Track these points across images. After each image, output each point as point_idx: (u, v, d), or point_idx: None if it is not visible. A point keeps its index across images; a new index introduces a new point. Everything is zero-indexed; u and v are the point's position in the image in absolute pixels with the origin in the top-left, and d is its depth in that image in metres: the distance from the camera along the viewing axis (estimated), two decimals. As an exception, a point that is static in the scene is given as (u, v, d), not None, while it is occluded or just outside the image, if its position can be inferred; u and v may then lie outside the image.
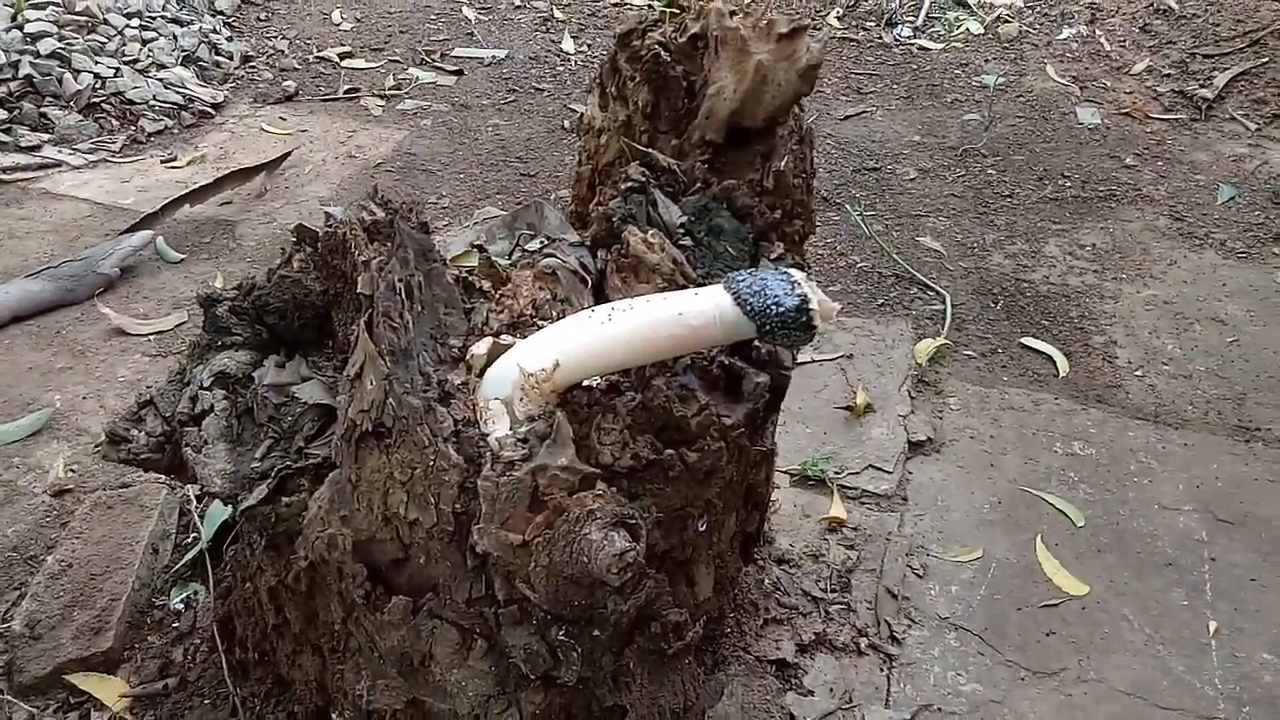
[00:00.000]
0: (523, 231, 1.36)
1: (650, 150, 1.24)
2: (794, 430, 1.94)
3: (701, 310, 0.94)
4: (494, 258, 1.32)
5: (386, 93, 3.12)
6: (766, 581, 1.56)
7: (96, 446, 1.88)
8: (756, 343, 1.06)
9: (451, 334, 1.07)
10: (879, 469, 1.84)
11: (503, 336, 1.07)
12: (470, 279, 1.15)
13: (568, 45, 3.48)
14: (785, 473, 1.83)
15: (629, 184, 1.21)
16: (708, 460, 1.05)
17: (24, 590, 1.56)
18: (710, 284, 1.14)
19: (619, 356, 0.98)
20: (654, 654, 1.16)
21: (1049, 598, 1.60)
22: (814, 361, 2.14)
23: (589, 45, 3.51)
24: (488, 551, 0.97)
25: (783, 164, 1.22)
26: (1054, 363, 2.14)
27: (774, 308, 0.91)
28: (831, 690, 1.42)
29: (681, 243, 1.19)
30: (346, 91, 3.11)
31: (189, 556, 1.61)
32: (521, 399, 0.99)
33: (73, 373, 2.08)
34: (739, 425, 1.08)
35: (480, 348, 1.04)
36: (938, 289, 2.35)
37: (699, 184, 1.23)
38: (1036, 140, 2.94)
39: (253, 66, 3.19)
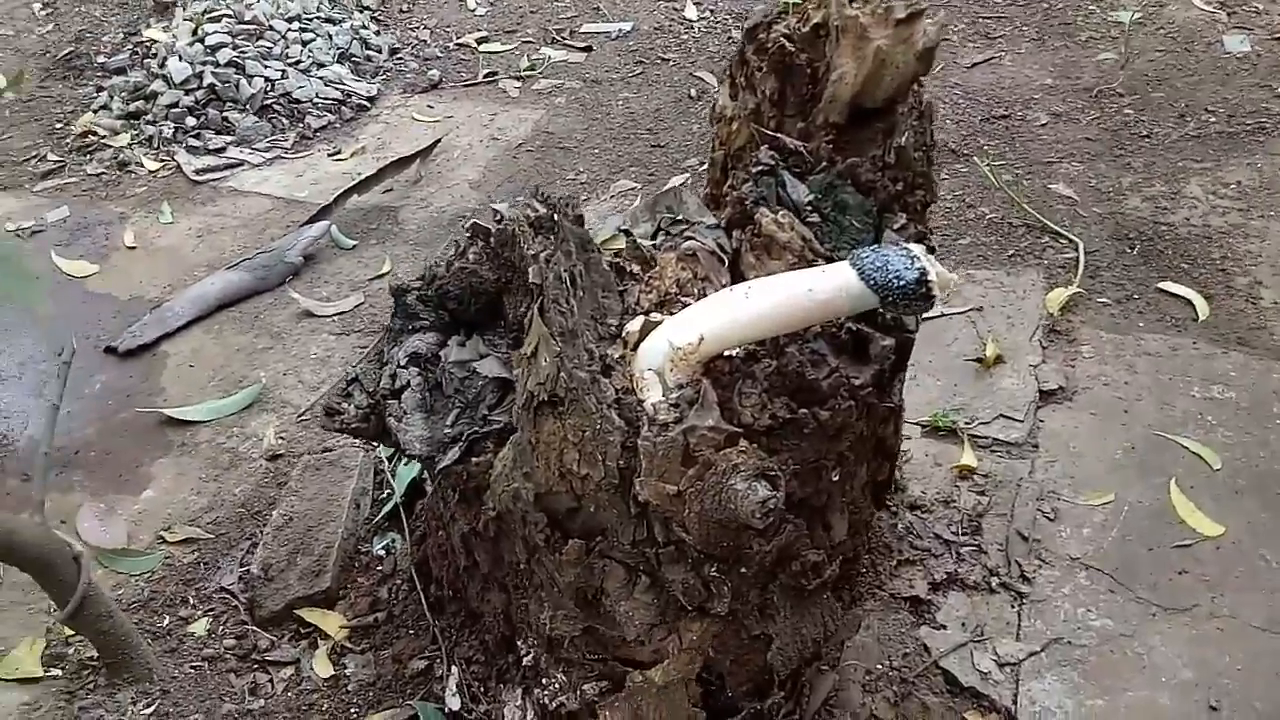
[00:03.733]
0: (663, 215, 1.50)
1: (778, 135, 1.35)
2: (925, 383, 2.02)
3: (829, 285, 1.06)
4: (639, 240, 1.47)
5: (522, 74, 3.30)
6: (900, 526, 1.68)
7: (300, 416, 2.16)
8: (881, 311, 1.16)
9: (609, 314, 1.23)
10: (1009, 418, 1.91)
11: (652, 314, 1.22)
12: (621, 263, 1.30)
13: (690, 13, 3.57)
14: (916, 424, 1.92)
15: (759, 167, 1.33)
16: (838, 418, 1.18)
17: (255, 540, 1.85)
18: (837, 259, 1.25)
19: (756, 330, 1.11)
20: (795, 590, 1.30)
21: (1182, 538, 1.64)
22: (943, 315, 2.20)
23: (711, 11, 3.58)
24: (648, 500, 1.13)
25: (903, 140, 1.31)
26: (1193, 306, 2.13)
27: (895, 281, 1.02)
28: (964, 624, 1.53)
29: (809, 220, 1.30)
30: (485, 75, 3.31)
31: (386, 509, 1.86)
32: (671, 369, 1.14)
33: (273, 352, 2.38)
34: (867, 385, 1.20)
35: (634, 325, 1.20)
36: (1070, 236, 2.35)
37: (825, 163, 1.33)
38: (1178, 75, 2.84)
39: (400, 58, 3.44)
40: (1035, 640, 1.50)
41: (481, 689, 1.49)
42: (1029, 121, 2.75)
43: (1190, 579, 1.58)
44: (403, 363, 1.42)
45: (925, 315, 2.14)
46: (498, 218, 1.38)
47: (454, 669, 1.52)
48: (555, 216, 1.22)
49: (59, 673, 1.60)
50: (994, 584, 1.59)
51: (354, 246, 2.72)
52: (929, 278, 1.02)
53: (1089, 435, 1.87)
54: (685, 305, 1.26)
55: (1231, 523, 1.66)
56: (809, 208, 1.30)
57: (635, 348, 1.20)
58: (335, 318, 2.48)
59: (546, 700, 1.38)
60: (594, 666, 1.34)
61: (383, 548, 1.82)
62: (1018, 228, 2.43)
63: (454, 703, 1.48)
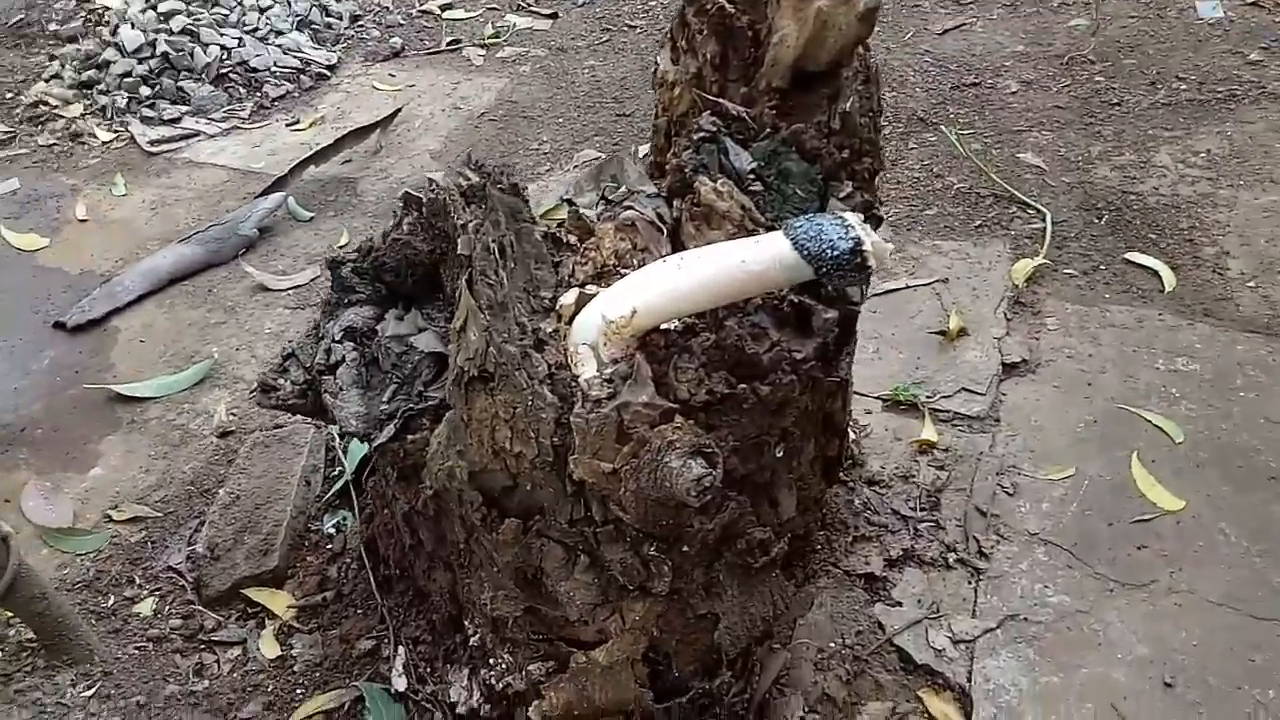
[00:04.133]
0: (606, 184, 1.45)
1: (720, 100, 1.30)
2: (887, 356, 1.99)
3: (762, 257, 1.02)
4: (582, 210, 1.43)
5: (486, 41, 3.23)
6: (856, 502, 1.65)
7: (251, 393, 2.11)
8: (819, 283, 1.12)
9: (542, 286, 1.18)
10: (971, 391, 1.88)
11: (588, 287, 1.17)
12: (558, 234, 1.26)
13: (660, -22, 3.49)
14: (877, 398, 1.89)
15: (700, 134, 1.29)
16: (779, 393, 1.14)
17: (203, 518, 1.81)
18: (793, 219, 1.21)
19: (690, 303, 1.07)
20: (741, 568, 1.27)
21: (1142, 513, 1.63)
22: (908, 287, 2.16)
23: (681, -24, 3.50)
24: (583, 479, 1.10)
25: (848, 105, 1.27)
26: (1159, 277, 2.10)
27: (828, 251, 0.98)
28: (919, 601, 1.51)
29: (752, 188, 1.25)
30: (449, 43, 3.24)
31: (336, 487, 1.82)
32: (605, 344, 1.10)
33: (226, 327, 2.33)
34: (809, 359, 1.16)
35: (568, 298, 1.15)
36: (1038, 207, 2.31)
37: (768, 129, 1.29)
38: (1150, 41, 2.80)
39: (361, 25, 3.35)
40: (991, 617, 1.48)
41: (428, 669, 1.46)
42: (999, 89, 2.71)
43: (1149, 554, 1.56)
44: (338, 337, 1.37)
45: (877, 289, 2.11)
46: (431, 187, 1.33)
47: (401, 649, 1.49)
48: (486, 185, 1.17)
49: (-3, 654, 1.57)
50: (951, 560, 1.57)
51: (311, 219, 2.66)
52: (864, 247, 0.98)
53: (1051, 408, 1.84)
54: (623, 277, 1.22)
55: (1192, 496, 1.64)
56: (751, 176, 1.26)
57: (570, 321, 1.16)
58: (290, 292, 2.42)
59: (493, 681, 1.35)
60: (539, 647, 1.31)
61: (333, 526, 1.79)
62: (985, 198, 2.39)
63: (400, 683, 1.45)
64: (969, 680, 1.39)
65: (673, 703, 1.32)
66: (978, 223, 2.33)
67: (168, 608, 1.67)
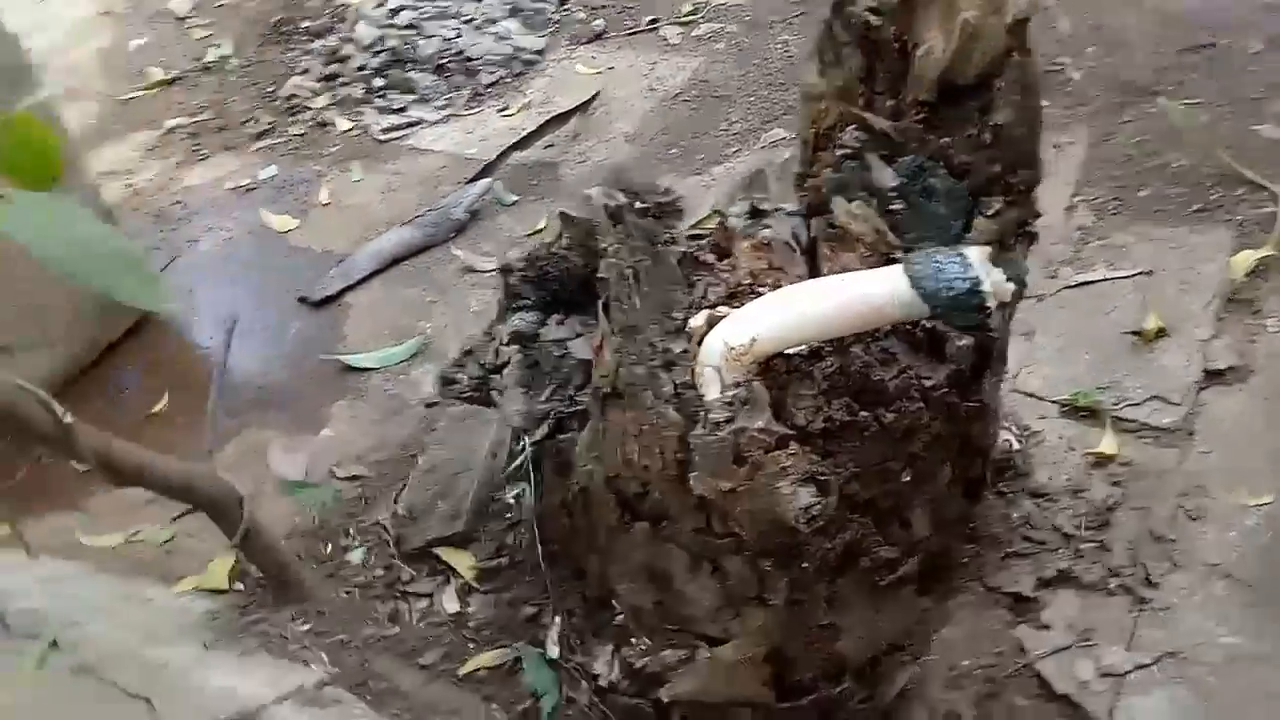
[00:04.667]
0: (757, 195, 1.48)
1: (865, 114, 1.29)
2: (1072, 356, 1.88)
3: (881, 292, 1.03)
4: (731, 218, 1.47)
5: (683, 19, 3.27)
6: (1015, 515, 1.60)
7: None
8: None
9: (675, 308, 1.25)
10: (1165, 400, 1.75)
11: (719, 308, 1.23)
12: (696, 254, 1.31)
13: (866, -61, 3.36)
14: (1055, 401, 1.80)
15: (844, 150, 1.29)
16: (905, 420, 1.15)
17: (407, 481, 2.04)
18: (918, 250, 1.20)
19: (807, 334, 1.10)
20: (867, 584, 1.30)
21: (1349, 552, 1.46)
22: (1106, 280, 2.02)
23: (890, -65, 3.35)
24: (703, 495, 1.17)
25: (1001, 118, 1.21)
26: None
27: (944, 292, 0.98)
28: (1070, 627, 1.46)
29: (893, 206, 1.25)
30: (648, 23, 3.31)
31: (516, 463, 1.99)
32: (727, 368, 1.15)
33: (437, 305, 2.57)
34: (940, 386, 1.16)
35: (697, 320, 1.21)
36: (1272, 189, 2.06)
37: (915, 144, 1.26)
38: None
39: (567, 8, 3.49)
40: (1148, 652, 1.41)
41: (578, 641, 1.60)
42: (1237, 50, 2.40)
43: (1351, 599, 1.41)
44: (505, 341, 1.51)
45: (1070, 281, 1.98)
46: (586, 201, 1.42)
47: (557, 619, 1.64)
48: (622, 210, 1.25)
49: (241, 588, 1.87)
50: (1113, 585, 1.49)
51: (515, 202, 2.86)
52: (981, 288, 0.96)
53: (1257, 424, 1.68)
54: (757, 296, 1.26)
55: None
56: (894, 193, 1.25)
57: (700, 342, 1.22)
58: (493, 274, 2.62)
59: (633, 660, 1.46)
60: (672, 635, 1.41)
61: (512, 497, 1.96)
62: (1209, 177, 2.16)
63: (553, 651, 1.60)
64: (1110, 717, 1.34)
65: (795, 703, 1.38)
66: (1196, 206, 2.11)
67: (373, 558, 1.91)
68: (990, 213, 1.22)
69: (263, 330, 2.66)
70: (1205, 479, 1.61)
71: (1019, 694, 1.39)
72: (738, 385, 1.15)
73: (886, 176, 1.26)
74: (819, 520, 1.09)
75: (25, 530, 1.34)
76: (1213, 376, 1.77)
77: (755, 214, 1.48)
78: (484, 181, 2.84)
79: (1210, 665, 1.38)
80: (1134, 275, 2.00)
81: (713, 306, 1.24)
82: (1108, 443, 1.69)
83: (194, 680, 1.51)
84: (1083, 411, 1.76)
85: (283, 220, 3.05)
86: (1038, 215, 1.27)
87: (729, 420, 1.12)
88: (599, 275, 1.24)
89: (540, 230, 2.71)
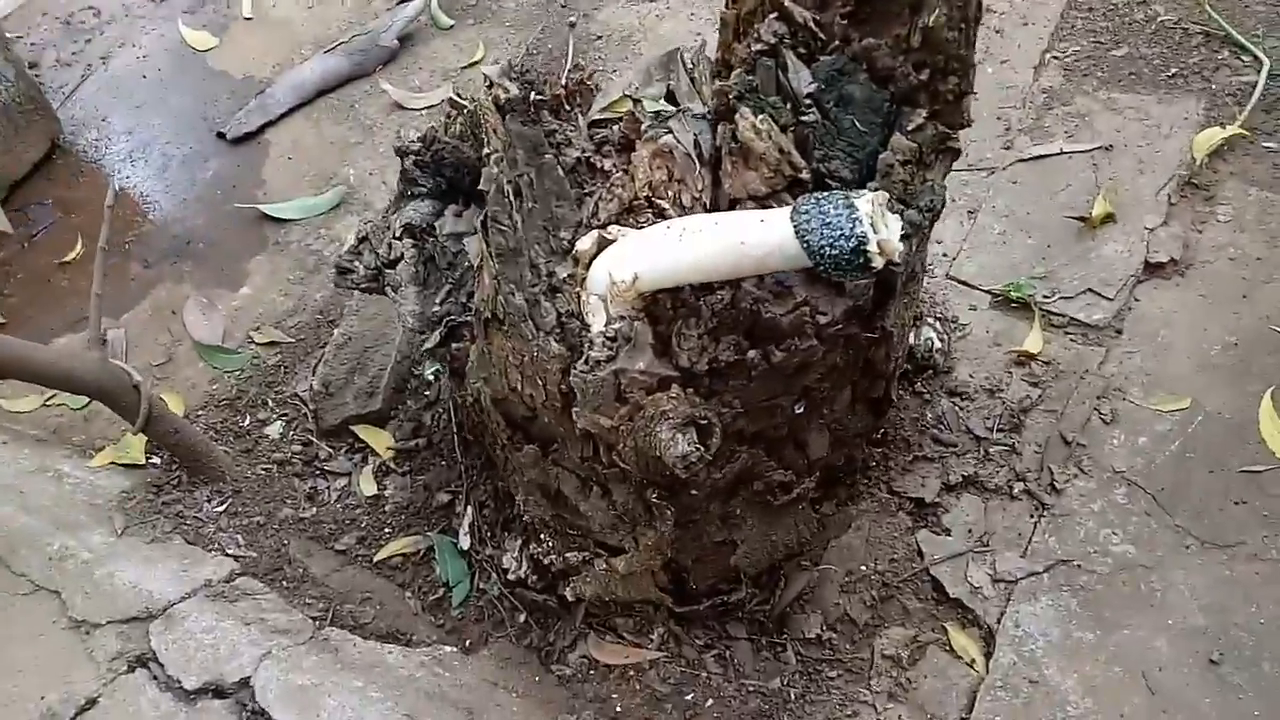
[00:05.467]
0: (672, 80, 1.34)
1: (787, 2, 1.13)
2: (1013, 241, 1.80)
3: (763, 241, 0.94)
4: (647, 103, 1.34)
5: None
6: (929, 416, 1.58)
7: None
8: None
9: (563, 225, 1.15)
10: (1098, 294, 1.69)
11: (610, 228, 1.13)
12: (592, 159, 1.19)
13: None
14: (987, 292, 1.74)
15: (759, 45, 1.14)
16: (796, 358, 1.09)
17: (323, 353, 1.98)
18: (825, 171, 1.10)
19: (687, 277, 1.02)
20: (761, 504, 1.28)
21: (1254, 463, 1.46)
22: (1062, 153, 1.90)
23: None
24: (586, 429, 1.12)
25: (932, 18, 1.07)
26: (1384, 164, 1.72)
27: (828, 249, 0.89)
28: (970, 532, 1.47)
29: (805, 116, 1.12)
30: None
31: (434, 339, 1.93)
32: (611, 301, 1.07)
33: (362, 147, 2.41)
34: (836, 322, 1.09)
35: (585, 243, 1.12)
36: (1256, 52, 1.90)
37: (837, 42, 1.12)
38: None
39: None
40: (1042, 559, 1.43)
41: (489, 533, 1.61)
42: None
43: (1245, 511, 1.42)
44: (397, 233, 1.41)
45: (1024, 154, 1.87)
46: (488, 83, 1.27)
47: (469, 510, 1.64)
48: (505, 119, 1.11)
49: (158, 461, 1.85)
50: (1017, 491, 1.50)
51: (451, 27, 2.62)
52: (867, 247, 0.88)
53: (1188, 323, 1.63)
54: (658, 210, 1.16)
55: (1322, 452, 1.45)
56: (808, 101, 1.12)
57: (588, 267, 1.13)
58: (423, 111, 2.45)
59: (540, 557, 1.47)
60: (574, 539, 1.41)
61: (431, 373, 1.92)
62: (1193, 36, 1.99)
63: (465, 542, 1.61)
64: (999, 622, 1.37)
65: (693, 607, 1.40)
66: (1172, 71, 1.96)
67: (291, 433, 1.89)
68: (911, 128, 1.10)
69: (179, 167, 2.50)
70: (1125, 381, 1.58)
71: (913, 598, 1.42)
72: (622, 319, 1.08)
73: (803, 79, 1.12)
74: (698, 467, 1.05)
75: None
76: (1152, 269, 1.70)
77: (670, 99, 1.34)
78: (418, 2, 2.59)
79: (1099, 573, 1.40)
80: (1092, 150, 1.88)
81: (603, 226, 1.14)
82: (1033, 340, 1.64)
83: (104, 572, 1.51)
84: (1014, 304, 1.70)
85: (201, 37, 2.80)
86: (965, 125, 1.15)
87: (610, 359, 1.06)
88: (480, 187, 1.13)
89: (477, 61, 2.50)
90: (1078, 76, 2.02)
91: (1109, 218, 1.76)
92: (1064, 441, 1.53)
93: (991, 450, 1.54)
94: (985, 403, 1.59)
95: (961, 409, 1.58)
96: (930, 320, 1.62)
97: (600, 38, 2.50)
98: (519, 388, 1.16)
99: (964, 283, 1.74)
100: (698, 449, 1.03)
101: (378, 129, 2.44)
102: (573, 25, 2.55)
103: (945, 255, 1.81)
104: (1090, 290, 1.69)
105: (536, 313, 1.10)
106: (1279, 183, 1.76)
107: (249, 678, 1.31)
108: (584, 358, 1.07)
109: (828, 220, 0.89)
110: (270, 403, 1.95)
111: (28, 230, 2.45)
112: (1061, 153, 1.89)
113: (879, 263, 0.89)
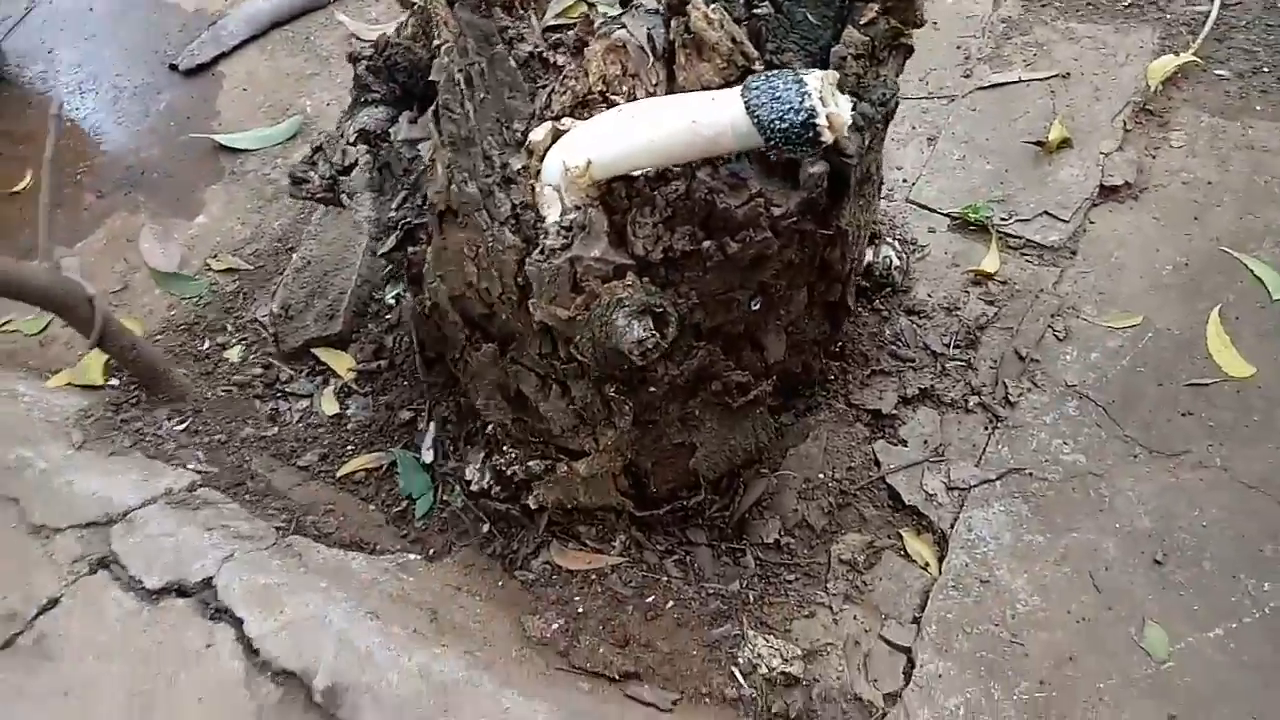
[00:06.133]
0: (629, -20, 1.32)
1: (745, -107, 1.13)
2: (971, 166, 1.81)
3: (715, 120, 0.94)
4: (602, 6, 1.33)
5: None
6: (888, 332, 1.59)
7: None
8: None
9: (516, 118, 1.14)
10: (1054, 216, 1.71)
11: (563, 120, 1.12)
12: (545, 54, 1.18)
13: None
14: (946, 214, 1.75)
15: (716, -64, 1.13)
16: (751, 249, 1.09)
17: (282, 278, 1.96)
18: (778, 63, 1.10)
19: (642, 161, 1.01)
20: (719, 406, 1.29)
21: (1201, 376, 1.49)
22: (1020, 81, 1.91)
23: None
24: (543, 321, 1.12)
25: (889, -90, 1.07)
26: (1332, 90, 1.75)
27: (778, 122, 0.90)
28: (925, 443, 1.49)
29: (758, 9, 1.12)
30: None
31: (389, 244, 1.91)
32: (567, 189, 1.07)
33: (319, 79, 2.36)
34: (791, 214, 1.09)
35: (538, 134, 1.11)
36: (1211, -16, 1.92)
37: (795, -67, 1.12)
38: None
39: None
40: (995, 467, 1.45)
41: (452, 447, 1.61)
42: None
43: (1192, 423, 1.46)
44: (351, 139, 1.39)
45: (983, 82, 1.88)
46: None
47: (431, 425, 1.64)
48: (454, 9, 1.10)
49: (116, 383, 1.82)
50: (971, 404, 1.52)
51: (411, -43, 2.57)
52: (816, 120, 0.88)
53: (1141, 244, 1.66)
54: (612, 105, 1.15)
55: (1265, 365, 1.48)
56: (762, -7, 1.12)
57: (542, 158, 1.12)
58: (382, 43, 2.40)
59: (502, 467, 1.47)
60: (536, 447, 1.41)
61: (392, 297, 1.90)
62: (1152, -33, 2.00)
63: (428, 456, 1.61)
64: (952, 527, 1.40)
65: (653, 512, 1.41)
66: (1128, 1, 1.97)
67: (251, 356, 1.87)
68: (864, 21, 1.10)
69: (131, 99, 2.44)
70: (1079, 300, 1.61)
71: (869, 505, 1.44)
72: (577, 208, 1.07)
73: (759, -28, 1.12)
74: (654, 354, 1.05)
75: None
76: (1107, 193, 1.72)
77: (625, 2, 1.33)
78: (373, -67, 2.54)
79: (1050, 480, 1.43)
80: (1050, 78, 1.90)
81: (557, 118, 1.13)
82: (990, 260, 1.66)
83: (63, 480, 1.49)
84: (972, 225, 1.72)
85: (150, -32, 2.73)
86: (918, 23, 1.15)
87: (565, 247, 1.05)
88: (430, 79, 1.12)
89: (434, -4, 2.46)
90: (1036, 6, 2.03)
91: (1065, 143, 1.78)
92: (1018, 357, 1.55)
93: (948, 365, 1.56)
94: (942, 320, 1.61)
95: (919, 326, 1.60)
96: (889, 240, 1.63)
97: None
98: (475, 282, 1.16)
99: (924, 206, 1.76)
100: (653, 335, 1.03)
101: (334, 60, 2.40)
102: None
103: (905, 180, 1.82)
104: (1046, 213, 1.71)
105: (491, 203, 1.09)
106: (1230, 109, 1.78)
107: (212, 578, 1.30)
108: (539, 247, 1.07)
109: (777, 95, 0.89)
110: (229, 328, 1.93)
111: (-27, 161, 2.39)
112: (1020, 81, 1.91)
113: (828, 136, 0.90)
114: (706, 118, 0.93)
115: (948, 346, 1.58)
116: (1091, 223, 1.70)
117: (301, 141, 2.25)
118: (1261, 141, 1.72)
